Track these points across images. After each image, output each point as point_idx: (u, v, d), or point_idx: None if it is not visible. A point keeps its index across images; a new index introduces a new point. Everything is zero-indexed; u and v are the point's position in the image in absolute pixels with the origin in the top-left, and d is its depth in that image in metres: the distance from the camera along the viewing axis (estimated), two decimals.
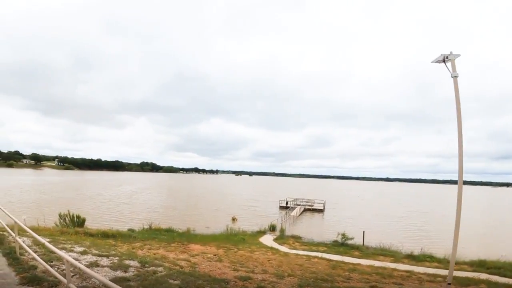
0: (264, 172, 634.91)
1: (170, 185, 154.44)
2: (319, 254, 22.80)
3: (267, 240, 30.70)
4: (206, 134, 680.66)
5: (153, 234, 28.30)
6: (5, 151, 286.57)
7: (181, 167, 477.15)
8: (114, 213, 53.57)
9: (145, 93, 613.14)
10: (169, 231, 31.74)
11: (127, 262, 11.50)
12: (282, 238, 32.42)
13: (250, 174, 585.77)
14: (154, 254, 15.97)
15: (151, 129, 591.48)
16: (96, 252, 13.13)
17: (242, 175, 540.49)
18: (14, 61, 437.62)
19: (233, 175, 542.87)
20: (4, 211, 12.20)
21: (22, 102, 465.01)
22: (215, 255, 17.91)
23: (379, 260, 21.99)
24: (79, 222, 31.09)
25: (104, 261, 11.53)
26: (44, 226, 24.47)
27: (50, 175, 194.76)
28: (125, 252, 14.73)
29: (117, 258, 12.18)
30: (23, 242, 11.16)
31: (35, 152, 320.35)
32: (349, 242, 30.20)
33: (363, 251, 26.35)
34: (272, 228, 39.01)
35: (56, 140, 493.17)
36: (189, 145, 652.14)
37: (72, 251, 12.66)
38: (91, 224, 32.70)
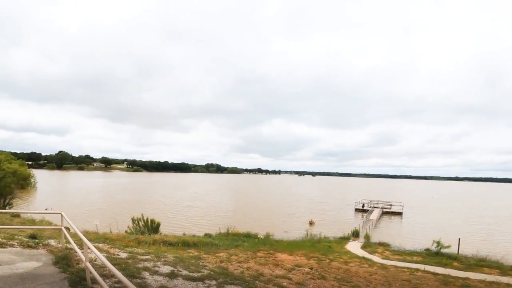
0: (328, 172, 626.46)
1: (237, 187, 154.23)
2: (420, 266, 21.33)
3: (354, 247, 29.48)
4: (268, 135, 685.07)
5: (233, 240, 26.31)
6: (77, 156, 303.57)
7: (244, 168, 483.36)
8: (184, 216, 52.69)
9: (207, 97, 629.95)
10: (248, 236, 30.19)
11: None
12: (369, 245, 30.92)
13: (313, 174, 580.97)
14: (247, 269, 14.23)
15: (215, 131, 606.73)
16: (186, 273, 11.12)
17: (305, 176, 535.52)
18: (83, 73, 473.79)
19: (296, 175, 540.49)
20: (73, 228, 9.83)
21: (91, 110, 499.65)
22: (311, 268, 16.29)
23: (484, 273, 20.52)
24: (153, 227, 29.76)
25: None
26: (117, 233, 22.75)
27: (119, 177, 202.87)
28: (216, 270, 12.68)
29: (214, 282, 10.41)
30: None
31: (105, 156, 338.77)
32: (444, 251, 27.79)
33: (462, 261, 24.47)
34: (356, 234, 37.18)
35: (124, 144, 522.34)
36: (252, 147, 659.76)
37: (156, 273, 10.45)
38: (163, 228, 31.09)
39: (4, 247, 11.84)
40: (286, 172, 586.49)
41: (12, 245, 12.23)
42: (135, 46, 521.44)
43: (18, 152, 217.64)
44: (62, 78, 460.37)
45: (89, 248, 7.43)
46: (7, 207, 46.31)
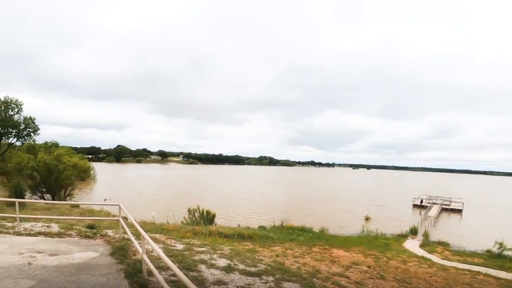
0: (383, 166, 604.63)
1: (289, 179, 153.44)
2: (482, 269, 20.34)
3: (412, 246, 28.74)
4: (322, 127, 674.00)
5: (288, 234, 25.88)
6: (134, 149, 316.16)
7: (297, 161, 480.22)
8: (237, 208, 52.80)
9: (260, 89, 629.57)
10: (303, 230, 29.74)
11: (286, 285, 9.59)
12: (428, 244, 29.94)
13: (368, 167, 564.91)
14: (304, 265, 13.89)
15: (268, 124, 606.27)
16: (242, 267, 10.86)
17: (359, 169, 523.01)
18: (138, 71, 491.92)
19: (350, 168, 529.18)
20: (131, 219, 9.77)
21: (148, 106, 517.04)
22: (369, 267, 15.81)
23: None
24: (208, 217, 29.89)
25: (258, 285, 9.09)
26: (173, 223, 22.91)
27: (175, 169, 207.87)
28: (273, 264, 12.34)
29: (271, 278, 10.13)
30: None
31: (162, 149, 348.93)
32: (506, 253, 26.42)
33: None
34: (414, 232, 35.79)
35: (180, 138, 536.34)
36: (305, 139, 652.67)
37: (213, 266, 10.26)
38: (217, 219, 31.26)
39: (62, 237, 12.04)
40: (340, 165, 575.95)
41: (70, 235, 12.44)
42: (187, 43, 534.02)
43: (79, 146, 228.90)
44: (118, 77, 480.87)
45: (145, 239, 7.24)
46: (67, 198, 48.30)
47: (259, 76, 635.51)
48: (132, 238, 9.93)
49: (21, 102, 69.50)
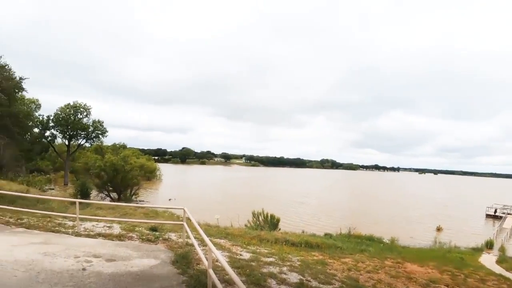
0: (450, 170, 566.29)
1: (352, 184, 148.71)
2: None
3: (489, 261, 26.23)
4: (385, 128, 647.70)
5: (356, 243, 24.11)
6: (199, 151, 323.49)
7: (360, 164, 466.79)
8: (299, 212, 51.24)
9: (320, 91, 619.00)
10: (371, 240, 27.80)
11: None
12: (505, 260, 27.05)
13: (435, 172, 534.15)
14: (379, 282, 12.39)
15: (330, 126, 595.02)
16: (316, 284, 9.67)
17: (426, 174, 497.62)
18: (200, 76, 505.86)
19: (416, 173, 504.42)
20: (196, 227, 8.86)
21: (211, 109, 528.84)
22: (447, 286, 14.11)
23: None
24: (273, 222, 28.84)
25: None
26: (237, 227, 21.99)
27: (237, 171, 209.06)
28: (346, 281, 11.11)
29: None
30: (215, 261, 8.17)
31: (224, 151, 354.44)
32: None
33: None
34: (489, 245, 32.74)
35: (242, 141, 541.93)
36: (368, 141, 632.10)
37: (284, 282, 9.18)
38: (280, 224, 30.04)
39: (122, 240, 11.31)
40: (405, 169, 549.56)
41: (131, 238, 11.69)
42: (246, 47, 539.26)
43: (146, 148, 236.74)
44: (182, 82, 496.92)
45: (211, 250, 6.20)
46: (132, 197, 49.24)
47: (318, 77, 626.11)
48: (196, 245, 8.98)
49: (90, 106, 73.73)
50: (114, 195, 47.76)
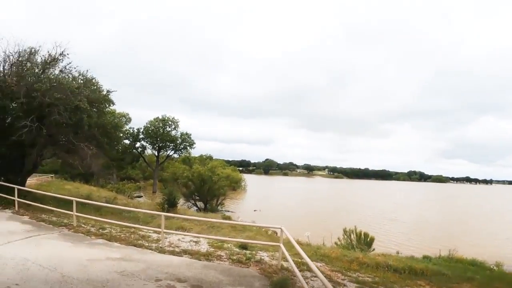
0: None
1: (443, 198, 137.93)
2: None
3: None
4: (476, 136, 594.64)
5: (460, 269, 20.80)
6: (281, 163, 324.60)
7: (450, 176, 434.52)
8: (388, 230, 47.30)
9: (405, 98, 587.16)
10: (474, 264, 23.92)
11: None
12: None
13: None
14: None
15: (416, 135, 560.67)
16: None
17: None
18: (283, 89, 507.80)
19: (511, 186, 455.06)
20: (298, 249, 7.33)
21: (292, 121, 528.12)
22: None
23: None
24: (366, 241, 26.35)
25: None
26: (330, 246, 20.08)
27: (320, 183, 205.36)
28: None
29: None
30: None
31: (307, 163, 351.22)
32: None
33: None
34: None
35: (325, 152, 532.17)
36: (458, 151, 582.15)
37: None
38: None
39: (210, 260, 10.00)
40: (498, 181, 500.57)
41: (220, 258, 10.35)
42: (326, 58, 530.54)
43: (230, 159, 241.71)
44: (264, 96, 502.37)
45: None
46: (218, 207, 48.93)
47: (402, 83, 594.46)
48: (298, 272, 7.43)
49: (177, 119, 76.87)
50: (200, 204, 47.90)
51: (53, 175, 50.21)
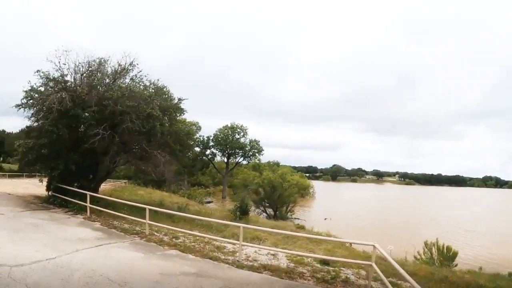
0: None
1: None
2: None
3: None
4: None
5: None
6: (349, 169, 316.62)
7: None
8: (466, 242, 43.69)
9: (477, 97, 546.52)
10: None
11: None
12: None
13: None
14: None
15: (491, 136, 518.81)
16: None
17: None
18: (348, 92, 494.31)
19: None
20: (407, 278, 6.21)
21: (359, 125, 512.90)
22: None
23: None
24: (449, 256, 24.37)
25: None
26: (413, 261, 18.43)
27: (390, 190, 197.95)
28: None
29: None
30: None
31: (376, 168, 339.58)
32: None
33: None
34: None
35: (394, 156, 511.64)
36: None
37: None
38: None
39: (293, 277, 9.04)
40: None
41: (302, 275, 9.39)
42: (392, 58, 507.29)
43: (297, 166, 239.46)
44: (328, 100, 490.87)
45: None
46: (288, 214, 47.99)
47: (473, 81, 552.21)
48: None
49: (246, 127, 78.15)
50: (269, 211, 47.32)
51: (126, 180, 51.75)
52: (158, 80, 21.79)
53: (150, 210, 13.37)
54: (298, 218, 49.73)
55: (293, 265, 10.40)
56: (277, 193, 45.75)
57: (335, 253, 14.06)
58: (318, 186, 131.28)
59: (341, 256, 13.37)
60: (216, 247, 11.87)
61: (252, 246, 11.82)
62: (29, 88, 19.09)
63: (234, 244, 11.85)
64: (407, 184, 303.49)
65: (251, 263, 10.04)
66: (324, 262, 11.01)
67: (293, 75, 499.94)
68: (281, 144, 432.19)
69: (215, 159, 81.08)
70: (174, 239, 12.50)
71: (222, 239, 12.41)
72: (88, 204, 16.10)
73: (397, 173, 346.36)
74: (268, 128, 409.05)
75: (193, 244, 12.07)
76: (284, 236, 17.68)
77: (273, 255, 11.36)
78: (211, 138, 76.54)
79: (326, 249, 15.19)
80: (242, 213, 32.27)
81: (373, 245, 8.83)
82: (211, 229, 16.52)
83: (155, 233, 13.40)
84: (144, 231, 13.26)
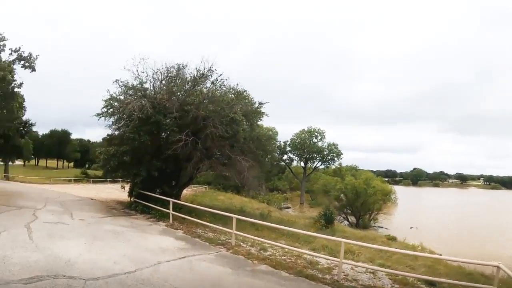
0: None
1: None
2: None
3: None
4: None
5: None
6: (431, 172, 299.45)
7: None
8: None
9: None
10: None
11: None
12: None
13: None
14: None
15: None
16: None
17: None
18: (424, 90, 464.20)
19: None
20: None
21: (439, 125, 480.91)
22: None
23: None
24: None
25: None
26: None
27: (477, 195, 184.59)
28: None
29: None
30: None
31: (458, 171, 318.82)
32: None
33: None
34: None
35: (478, 158, 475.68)
36: None
37: None
38: None
39: None
40: None
41: None
42: (468, 50, 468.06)
43: (375, 170, 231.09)
44: (404, 100, 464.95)
45: None
46: (371, 221, 45.76)
47: None
48: None
49: (323, 130, 76.63)
50: (351, 219, 45.45)
51: (206, 186, 52.27)
52: (237, 84, 21.38)
53: (233, 218, 12.52)
54: (381, 227, 47.18)
55: (397, 286, 9.11)
56: (360, 199, 43.79)
57: (437, 270, 12.38)
58: (398, 192, 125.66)
59: (444, 274, 11.77)
60: (309, 262, 10.72)
61: (351, 264, 10.50)
62: (109, 97, 19.56)
63: (327, 259, 10.68)
64: (492, 188, 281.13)
65: (352, 284, 8.85)
66: (431, 284, 9.56)
67: (366, 75, 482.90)
68: (357, 147, 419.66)
69: (292, 164, 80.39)
70: (262, 251, 11.57)
71: (318, 254, 11.20)
72: (171, 211, 15.72)
73: (481, 176, 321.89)
74: (344, 131, 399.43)
75: (283, 258, 11.04)
76: (378, 251, 16.10)
77: (372, 273, 10.08)
78: (287, 143, 75.79)
79: (425, 265, 13.52)
80: (327, 222, 30.82)
81: (497, 266, 7.33)
82: (298, 240, 15.38)
83: (241, 243, 12.53)
84: (229, 241, 12.47)
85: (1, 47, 18.85)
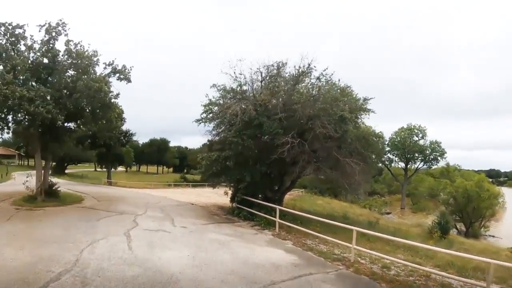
0: None
1: None
2: None
3: None
4: None
5: None
6: None
7: None
8: None
9: None
10: None
11: None
12: None
13: None
14: None
15: None
16: None
17: None
18: None
19: None
20: None
21: None
22: None
23: None
24: None
25: None
26: None
27: None
28: None
29: None
30: None
31: None
32: None
33: None
34: None
35: None
36: None
37: None
38: None
39: None
40: None
41: None
42: None
43: (476, 169, 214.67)
44: (507, 90, 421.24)
45: None
46: (481, 229, 41.58)
47: None
48: None
49: (424, 127, 70.06)
50: (460, 226, 41.32)
51: (303, 190, 51.13)
52: (339, 80, 20.06)
53: (355, 231, 11.08)
54: (493, 236, 42.54)
55: None
56: (472, 204, 39.61)
57: None
58: (506, 194, 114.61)
59: None
60: (441, 284, 9.00)
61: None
62: (208, 101, 19.43)
63: (464, 282, 8.90)
64: None
65: None
66: None
67: (462, 64, 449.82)
68: (456, 145, 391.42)
69: (391, 165, 75.00)
70: (385, 270, 9.93)
71: (451, 275, 9.39)
72: (277, 219, 14.80)
73: None
74: (439, 127, 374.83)
75: (411, 279, 9.32)
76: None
77: None
78: (386, 142, 70.76)
79: None
80: (442, 232, 27.98)
81: None
82: (416, 253, 13.51)
83: (359, 259, 10.98)
84: (345, 255, 11.08)
85: (95, 62, 19.42)
